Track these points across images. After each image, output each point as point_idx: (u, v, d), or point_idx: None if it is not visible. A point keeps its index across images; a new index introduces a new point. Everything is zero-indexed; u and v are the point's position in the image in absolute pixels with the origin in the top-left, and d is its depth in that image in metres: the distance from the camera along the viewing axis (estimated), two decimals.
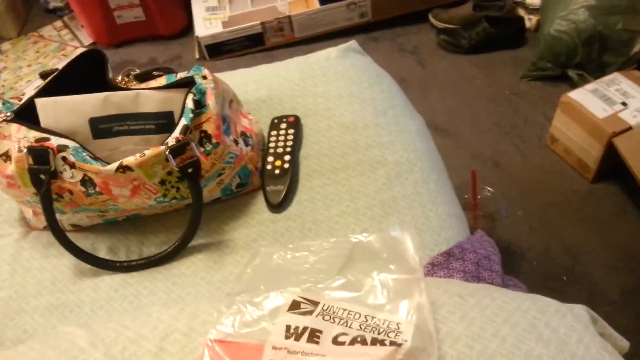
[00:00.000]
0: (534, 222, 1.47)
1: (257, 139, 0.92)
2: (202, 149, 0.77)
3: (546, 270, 1.36)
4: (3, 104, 0.79)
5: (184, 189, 0.79)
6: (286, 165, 0.89)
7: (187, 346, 0.49)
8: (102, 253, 0.84)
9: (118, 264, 0.81)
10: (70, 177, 0.76)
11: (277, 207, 0.86)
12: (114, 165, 0.74)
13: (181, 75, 0.82)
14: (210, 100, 0.79)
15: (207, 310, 0.52)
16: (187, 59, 2.19)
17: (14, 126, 0.76)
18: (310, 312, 0.48)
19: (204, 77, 0.81)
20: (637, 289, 1.30)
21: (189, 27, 2.24)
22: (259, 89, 1.05)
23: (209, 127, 0.78)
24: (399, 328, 0.46)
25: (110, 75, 0.89)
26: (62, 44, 2.28)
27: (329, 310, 0.48)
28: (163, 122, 0.80)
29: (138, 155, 0.74)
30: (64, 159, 0.75)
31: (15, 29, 2.34)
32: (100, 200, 0.78)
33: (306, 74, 1.08)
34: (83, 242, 0.84)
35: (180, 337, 0.50)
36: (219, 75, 0.99)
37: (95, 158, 0.76)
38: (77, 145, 0.75)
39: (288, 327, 0.46)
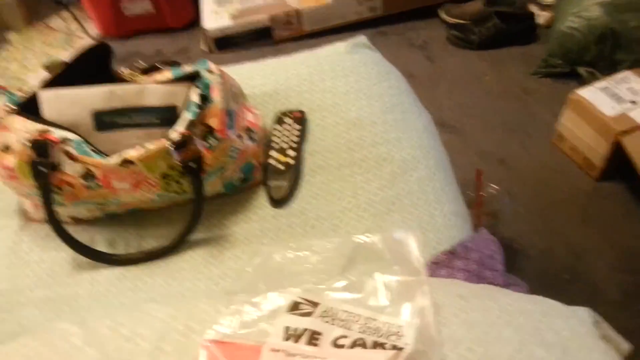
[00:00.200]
0: (538, 220, 1.45)
1: (261, 134, 0.91)
2: (205, 144, 0.77)
3: (548, 268, 1.35)
4: (7, 95, 0.79)
5: (186, 184, 0.79)
6: (290, 161, 0.88)
7: (183, 346, 0.49)
8: (101, 246, 0.83)
9: (116, 258, 0.81)
10: (71, 170, 0.75)
11: (280, 202, 0.85)
12: (116, 159, 0.73)
13: (187, 68, 0.81)
14: (216, 95, 0.78)
15: (205, 309, 0.52)
16: (194, 51, 2.18)
17: (17, 118, 0.76)
18: (310, 314, 0.47)
19: (210, 71, 0.81)
20: (639, 289, 1.28)
21: (196, 20, 2.23)
22: (265, 83, 1.04)
23: (214, 122, 0.77)
24: (400, 331, 0.45)
25: (116, 68, 0.88)
26: (70, 35, 2.28)
27: (330, 312, 0.47)
28: (167, 115, 0.79)
29: (141, 149, 0.74)
30: (66, 151, 0.74)
31: (23, 20, 2.34)
32: (101, 193, 0.78)
33: (314, 68, 1.06)
34: (82, 234, 0.83)
35: (177, 336, 0.49)
36: (225, 68, 0.99)
37: (97, 151, 0.75)
38: (79, 138, 0.75)
39: (287, 329, 0.45)
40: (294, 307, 0.48)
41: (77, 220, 0.86)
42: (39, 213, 0.84)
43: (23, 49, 2.22)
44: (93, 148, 0.75)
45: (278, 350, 0.44)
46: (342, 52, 1.11)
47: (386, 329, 0.46)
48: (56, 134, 0.75)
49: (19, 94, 0.80)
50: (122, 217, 0.86)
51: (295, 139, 0.92)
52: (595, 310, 0.59)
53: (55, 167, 0.74)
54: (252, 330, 0.47)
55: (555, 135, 1.63)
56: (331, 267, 0.51)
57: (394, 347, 0.44)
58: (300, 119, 0.95)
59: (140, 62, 0.90)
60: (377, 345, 0.44)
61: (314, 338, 0.44)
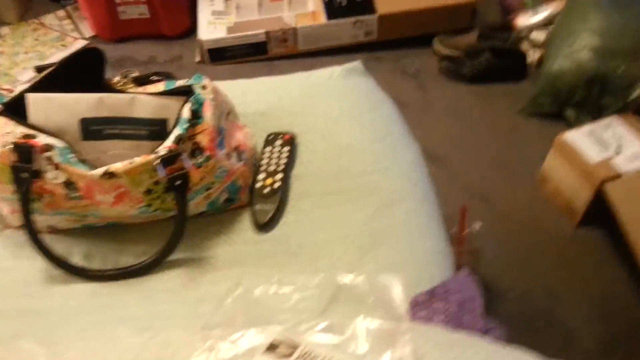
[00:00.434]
0: (518, 261, 1.45)
1: (251, 154, 0.90)
2: (193, 161, 0.75)
3: (525, 312, 1.35)
4: None
5: (170, 201, 0.77)
6: (277, 185, 0.87)
7: None
8: (77, 259, 0.81)
9: (92, 272, 0.79)
10: (53, 178, 0.73)
11: (263, 227, 0.84)
12: (100, 171, 0.72)
13: (180, 82, 0.80)
14: (208, 112, 0.77)
15: (180, 340, 0.50)
16: (187, 60, 2.16)
17: (1, 119, 0.74)
18: (289, 355, 0.45)
19: (204, 87, 0.80)
20: (613, 340, 1.28)
21: (192, 29, 2.22)
22: (258, 101, 1.03)
23: (203, 140, 0.76)
24: None
25: (108, 74, 0.87)
26: (63, 34, 2.25)
27: (308, 356, 0.46)
28: (156, 129, 0.78)
29: (126, 161, 0.72)
30: (49, 159, 0.72)
31: (17, 14, 2.30)
32: (82, 204, 0.76)
33: (307, 91, 1.06)
34: (58, 245, 0.81)
35: None
36: (218, 83, 0.98)
37: (82, 161, 0.73)
38: (64, 145, 0.73)
39: None
40: (272, 347, 0.47)
41: (55, 230, 0.84)
42: (16, 219, 0.82)
43: (14, 44, 2.19)
44: (77, 157, 0.73)
45: None
46: (337, 76, 1.11)
47: None
48: (41, 139, 0.73)
49: (6, 93, 0.78)
50: (101, 231, 0.84)
51: (284, 161, 0.91)
52: (571, 359, 0.59)
53: (37, 175, 0.73)
54: None
55: (539, 176, 1.64)
56: (313, 306, 0.50)
57: None
58: (290, 141, 0.94)
59: (133, 71, 0.89)
60: None
61: None
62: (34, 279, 0.79)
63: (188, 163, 0.74)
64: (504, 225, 1.53)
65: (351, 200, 0.87)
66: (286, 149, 0.92)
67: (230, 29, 2.09)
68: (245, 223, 0.85)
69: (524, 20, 2.14)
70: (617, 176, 1.39)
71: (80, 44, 2.20)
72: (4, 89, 0.79)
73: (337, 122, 0.99)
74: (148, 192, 0.75)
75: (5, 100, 0.76)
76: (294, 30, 2.09)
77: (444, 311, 0.74)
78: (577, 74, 1.78)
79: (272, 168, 0.90)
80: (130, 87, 0.83)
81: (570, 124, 1.76)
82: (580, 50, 1.79)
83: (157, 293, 0.77)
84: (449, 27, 2.17)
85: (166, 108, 0.77)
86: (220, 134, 0.80)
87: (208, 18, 2.12)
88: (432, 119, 1.90)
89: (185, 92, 0.78)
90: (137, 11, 2.14)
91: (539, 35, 2.07)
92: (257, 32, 2.07)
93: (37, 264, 0.79)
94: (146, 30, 2.21)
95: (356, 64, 1.14)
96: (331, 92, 1.06)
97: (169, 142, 0.74)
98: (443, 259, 0.85)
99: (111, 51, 2.15)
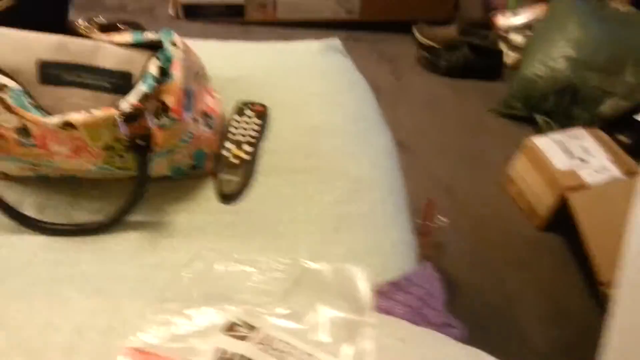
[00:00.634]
0: (477, 259, 1.46)
1: (219, 121, 0.85)
2: (157, 122, 0.70)
3: (480, 309, 1.36)
4: None
5: (130, 160, 0.72)
6: (245, 156, 0.83)
7: (100, 346, 0.43)
8: (29, 210, 0.75)
9: (43, 225, 0.73)
10: (4, 122, 0.67)
11: (228, 198, 0.80)
12: (56, 119, 0.66)
13: (149, 35, 0.75)
14: (176, 71, 0.72)
15: (131, 309, 0.46)
16: (159, 13, 2.08)
17: None
18: (246, 338, 0.43)
19: (174, 44, 0.74)
20: (565, 345, 1.31)
21: None
22: (230, 66, 0.98)
23: (170, 100, 0.71)
24: None
25: (72, 17, 0.80)
26: None
27: (266, 339, 0.43)
28: (120, 82, 0.72)
29: (86, 113, 0.67)
30: (1, 100, 0.66)
31: None
32: (35, 153, 0.70)
33: (282, 62, 1.02)
34: (9, 192, 0.76)
35: (96, 335, 0.44)
36: (189, 42, 0.92)
37: (38, 106, 0.68)
38: (18, 87, 0.67)
39: (218, 350, 0.41)
40: (230, 327, 0.43)
41: (6, 177, 0.78)
42: None
43: None
44: (33, 102, 0.68)
45: None
46: (314, 52, 1.07)
47: None
48: None
49: None
50: (56, 182, 0.79)
51: (254, 133, 0.87)
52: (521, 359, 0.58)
53: None
54: (180, 345, 0.42)
55: (504, 177, 1.65)
56: (274, 290, 0.47)
57: None
58: (261, 113, 0.90)
59: (100, 17, 0.82)
60: None
61: None
62: None
63: (152, 123, 0.69)
64: (467, 221, 1.54)
65: (318, 181, 0.84)
66: (257, 120, 0.88)
67: None
68: (208, 192, 0.81)
69: (504, 20, 2.14)
70: (581, 186, 1.41)
71: None
72: None
73: (310, 99, 0.95)
74: (107, 148, 0.70)
75: None
76: None
77: (405, 303, 0.72)
78: (550, 81, 1.79)
79: (240, 138, 0.85)
80: (95, 34, 0.77)
81: (539, 130, 1.78)
82: (556, 58, 1.80)
83: (111, 254, 0.73)
84: (430, 16, 2.16)
85: (132, 61, 0.72)
86: (188, 96, 0.75)
87: None
88: (403, 107, 1.89)
89: (154, 47, 0.73)
90: None
91: (517, 37, 2.08)
92: None
93: None
94: None
95: (335, 42, 1.11)
96: (307, 67, 1.02)
97: (132, 98, 0.68)
98: (408, 250, 0.83)
99: None
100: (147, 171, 0.72)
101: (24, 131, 0.68)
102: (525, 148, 1.55)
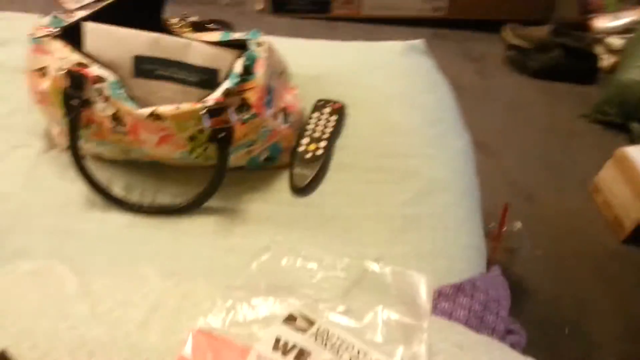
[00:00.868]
0: (553, 266, 1.42)
1: (297, 117, 0.88)
2: (239, 116, 0.74)
3: (551, 318, 1.32)
4: (52, 18, 0.77)
5: (211, 151, 0.77)
6: (319, 152, 0.86)
7: (172, 325, 0.47)
8: (117, 189, 0.82)
9: (130, 205, 0.80)
10: (101, 110, 0.74)
11: (300, 191, 0.83)
12: (147, 111, 0.72)
13: (237, 35, 0.79)
14: (260, 70, 0.76)
15: (202, 292, 0.50)
16: (249, 7, 2.14)
17: (58, 44, 0.74)
18: (304, 330, 0.45)
19: (259, 44, 0.78)
20: None
21: None
22: (312, 65, 1.01)
23: (251, 97, 0.75)
24: None
25: (167, 11, 0.86)
26: None
27: (324, 333, 0.45)
28: (207, 78, 0.77)
29: (174, 106, 0.72)
30: (99, 91, 0.73)
31: None
32: (126, 140, 0.76)
33: (364, 62, 1.04)
34: (100, 173, 0.82)
35: (168, 313, 0.48)
36: (275, 39, 0.96)
37: (131, 98, 0.73)
38: (115, 80, 0.73)
39: (278, 339, 0.43)
40: (290, 319, 0.46)
41: (98, 158, 0.85)
42: (63, 141, 0.83)
43: None
44: (127, 94, 0.73)
45: (264, 359, 0.42)
46: (397, 52, 1.08)
47: None
48: (94, 70, 0.73)
49: (65, 18, 0.78)
50: (143, 166, 0.85)
51: (330, 130, 0.89)
52: None
53: (86, 103, 0.73)
54: (243, 331, 0.45)
55: (591, 185, 1.58)
56: (335, 287, 0.49)
57: None
58: (339, 110, 0.92)
59: (192, 15, 0.87)
60: None
61: (302, 356, 0.43)
62: (74, 202, 0.80)
63: (234, 117, 0.73)
64: (545, 228, 1.49)
65: (391, 181, 0.85)
66: (334, 117, 0.91)
67: None
68: (282, 184, 0.85)
69: (602, 22, 2.05)
70: None
71: None
72: (64, 13, 0.79)
73: (389, 100, 0.96)
74: (192, 138, 0.75)
75: (64, 24, 0.76)
76: None
77: (467, 307, 0.72)
78: None
79: (317, 134, 0.88)
80: (187, 32, 0.82)
81: (633, 139, 1.69)
82: None
83: (188, 236, 0.78)
84: (522, 16, 2.09)
85: (219, 59, 0.76)
86: (270, 93, 0.79)
87: None
88: (487, 107, 1.85)
89: (241, 46, 0.77)
90: None
91: (615, 41, 1.98)
92: None
93: (79, 187, 0.80)
94: None
95: (418, 42, 1.11)
96: (388, 67, 1.03)
97: (217, 94, 0.73)
98: (476, 255, 0.83)
99: None
100: (227, 162, 0.76)
101: (118, 120, 0.74)
102: (615, 157, 1.48)
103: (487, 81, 1.96)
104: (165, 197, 0.83)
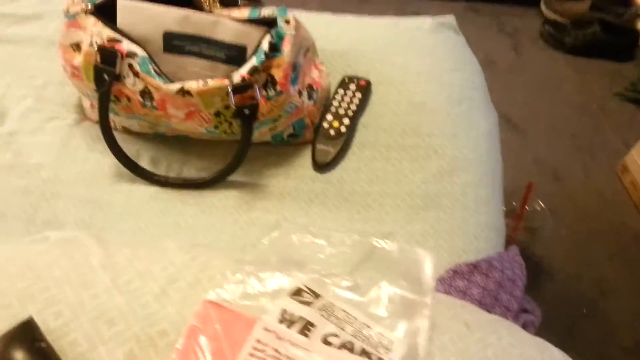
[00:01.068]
0: (575, 245, 1.41)
1: (322, 94, 0.90)
2: (264, 93, 0.76)
3: (570, 296, 1.32)
4: None
5: (236, 126, 0.79)
6: (343, 129, 0.87)
7: (188, 297, 0.50)
8: (144, 162, 0.85)
9: (156, 177, 0.83)
10: (131, 85, 0.76)
11: (322, 167, 0.85)
12: (175, 86, 0.74)
13: (265, 12, 0.80)
14: (286, 47, 0.77)
15: (218, 266, 0.53)
16: None
17: (91, 19, 0.77)
18: (310, 303, 0.47)
19: (287, 22, 0.79)
20: None
21: None
22: (339, 41, 1.01)
23: (277, 74, 0.76)
24: (390, 346, 0.45)
25: None
26: None
27: (328, 307, 0.47)
28: (234, 54, 0.78)
29: (200, 82, 0.74)
30: (130, 66, 0.75)
31: None
32: (155, 114, 0.79)
33: (392, 39, 1.04)
34: (129, 146, 0.86)
35: (185, 285, 0.51)
36: (305, 15, 0.96)
37: (160, 73, 0.76)
38: (145, 55, 0.75)
39: (284, 312, 0.46)
40: (297, 292, 0.48)
41: (127, 131, 0.88)
42: (95, 114, 0.86)
43: None
44: (156, 69, 0.76)
45: (270, 331, 0.44)
46: (426, 28, 1.07)
47: (378, 339, 0.46)
48: (125, 45, 0.75)
49: None
50: (170, 140, 0.88)
51: (354, 107, 0.90)
52: (606, 354, 0.58)
53: (117, 78, 0.76)
54: (251, 303, 0.48)
55: (620, 165, 1.56)
56: (343, 263, 0.51)
57: None
58: (364, 88, 0.93)
59: None
60: (364, 353, 0.44)
61: (306, 328, 0.45)
62: (103, 173, 0.84)
63: (259, 94, 0.75)
64: (570, 207, 1.48)
65: (413, 159, 0.86)
66: (359, 94, 0.92)
67: None
68: (305, 160, 0.87)
69: None
70: None
71: None
72: None
73: (415, 77, 0.96)
74: (217, 114, 0.77)
75: (98, 1, 0.78)
76: None
77: (482, 286, 0.74)
78: None
79: (341, 111, 0.89)
80: (216, 9, 0.83)
81: None
82: None
83: (211, 209, 0.81)
84: None
85: (247, 36, 0.78)
86: (295, 70, 0.80)
87: None
88: (520, 83, 1.82)
89: (269, 23, 0.78)
90: None
91: None
92: None
93: (108, 159, 0.84)
94: None
95: (449, 19, 1.10)
96: (416, 44, 1.02)
97: (244, 71, 0.74)
98: (494, 235, 0.84)
99: None
100: (251, 137, 0.78)
101: (147, 95, 0.76)
102: None
103: (521, 56, 1.93)
104: (191, 170, 0.85)
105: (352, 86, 0.93)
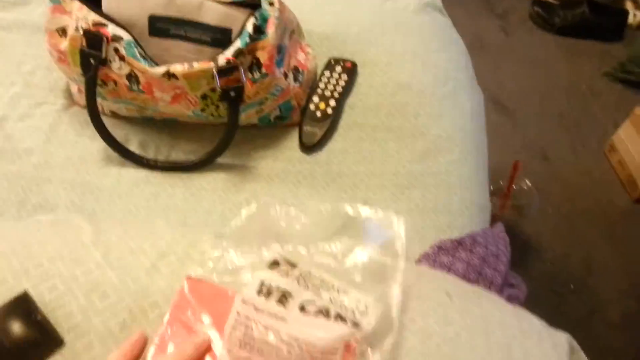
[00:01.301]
0: (562, 224, 1.43)
1: (309, 76, 0.90)
2: (250, 76, 0.77)
3: (557, 274, 1.35)
4: None
5: (223, 109, 0.80)
6: (329, 110, 0.88)
7: (178, 271, 0.52)
8: (133, 146, 0.86)
9: (145, 160, 0.84)
10: (117, 69, 0.77)
11: (309, 148, 0.86)
12: (161, 69, 0.75)
13: None
14: (271, 29, 0.78)
15: (207, 241, 0.54)
16: None
17: (76, 3, 0.77)
18: (287, 273, 0.49)
19: (271, 3, 0.80)
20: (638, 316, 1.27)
21: None
22: (325, 23, 1.02)
23: (262, 56, 0.77)
24: (365, 309, 0.47)
25: None
26: None
27: (305, 275, 0.49)
28: (219, 37, 0.79)
29: (186, 65, 0.75)
30: (116, 50, 0.76)
31: None
32: (141, 98, 0.80)
33: (378, 20, 1.04)
34: (117, 130, 0.86)
35: (175, 260, 0.52)
36: None
37: (146, 57, 0.76)
38: (131, 39, 0.76)
39: (262, 283, 0.47)
40: (274, 264, 0.50)
41: (115, 115, 0.89)
42: (83, 99, 0.87)
43: None
44: (142, 52, 0.76)
45: (249, 304, 0.46)
46: (412, 9, 1.08)
47: (354, 304, 0.47)
48: (110, 29, 0.76)
49: None
50: (158, 123, 0.89)
51: (340, 89, 0.91)
52: (593, 328, 0.60)
53: (103, 62, 0.76)
54: (231, 278, 0.49)
55: (607, 145, 1.57)
56: (318, 232, 0.53)
57: (354, 324, 0.46)
58: (350, 70, 0.94)
59: None
60: (339, 317, 0.46)
61: (284, 298, 0.46)
62: (92, 158, 0.84)
63: (244, 77, 0.76)
64: (558, 186, 1.50)
65: (398, 139, 0.88)
66: (345, 76, 0.93)
67: None
68: (292, 141, 0.88)
69: None
70: None
71: None
72: None
73: (401, 58, 0.97)
74: (204, 97, 0.78)
75: None
76: None
77: (466, 261, 0.75)
78: None
79: (327, 93, 0.90)
80: None
81: None
82: None
83: (200, 191, 0.82)
84: None
85: (231, 18, 0.78)
86: (281, 53, 0.81)
87: None
88: (509, 64, 1.83)
89: (253, 6, 0.79)
90: None
91: None
92: None
93: (97, 144, 0.84)
94: None
95: (434, 0, 1.11)
96: (402, 25, 1.03)
97: (229, 53, 0.75)
98: (479, 212, 0.86)
99: None
100: (237, 120, 0.79)
101: (133, 78, 0.77)
102: (634, 116, 1.47)
103: (510, 38, 1.93)
104: (179, 154, 0.86)
105: (338, 68, 0.94)
